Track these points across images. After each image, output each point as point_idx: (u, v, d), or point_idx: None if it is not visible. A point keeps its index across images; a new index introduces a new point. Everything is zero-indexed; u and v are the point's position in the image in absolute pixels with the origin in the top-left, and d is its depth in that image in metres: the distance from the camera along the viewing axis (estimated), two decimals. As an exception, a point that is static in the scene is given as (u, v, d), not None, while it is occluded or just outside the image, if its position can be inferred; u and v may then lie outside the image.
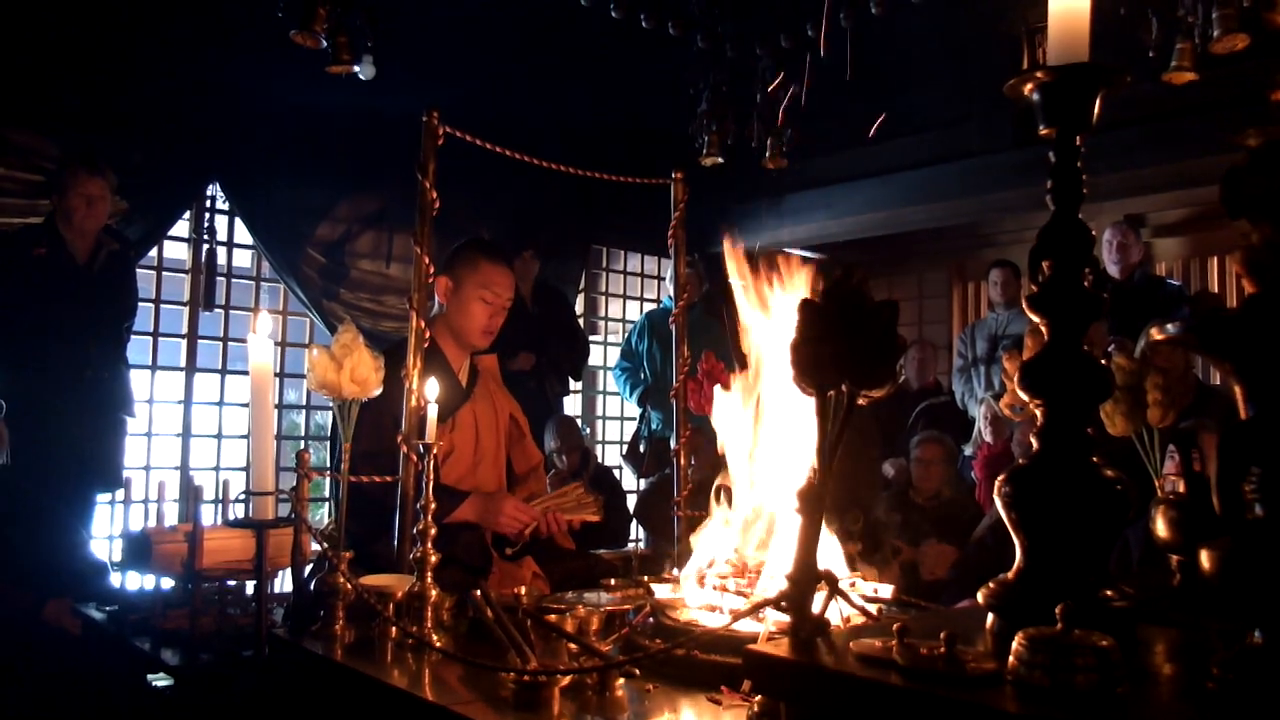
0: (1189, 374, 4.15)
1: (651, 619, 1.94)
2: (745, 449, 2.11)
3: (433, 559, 2.02)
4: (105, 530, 4.64)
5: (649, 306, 7.06)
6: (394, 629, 1.98)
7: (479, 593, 1.94)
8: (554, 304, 5.95)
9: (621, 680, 1.68)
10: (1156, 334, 1.23)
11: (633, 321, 6.67)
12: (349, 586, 2.05)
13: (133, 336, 4.62)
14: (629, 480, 6.34)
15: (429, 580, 2.01)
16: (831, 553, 1.94)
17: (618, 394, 6.67)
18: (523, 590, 2.11)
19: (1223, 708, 1.06)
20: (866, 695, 1.15)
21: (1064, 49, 1.31)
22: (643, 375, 5.97)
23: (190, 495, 3.51)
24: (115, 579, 2.88)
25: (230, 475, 5.09)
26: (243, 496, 2.07)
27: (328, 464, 2.97)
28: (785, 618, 1.44)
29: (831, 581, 1.44)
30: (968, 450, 5.19)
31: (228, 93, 5.03)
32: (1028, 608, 1.23)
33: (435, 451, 2.10)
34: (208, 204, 5.36)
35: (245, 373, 2.55)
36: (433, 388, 2.21)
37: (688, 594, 1.97)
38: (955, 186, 5.88)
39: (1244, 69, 3.19)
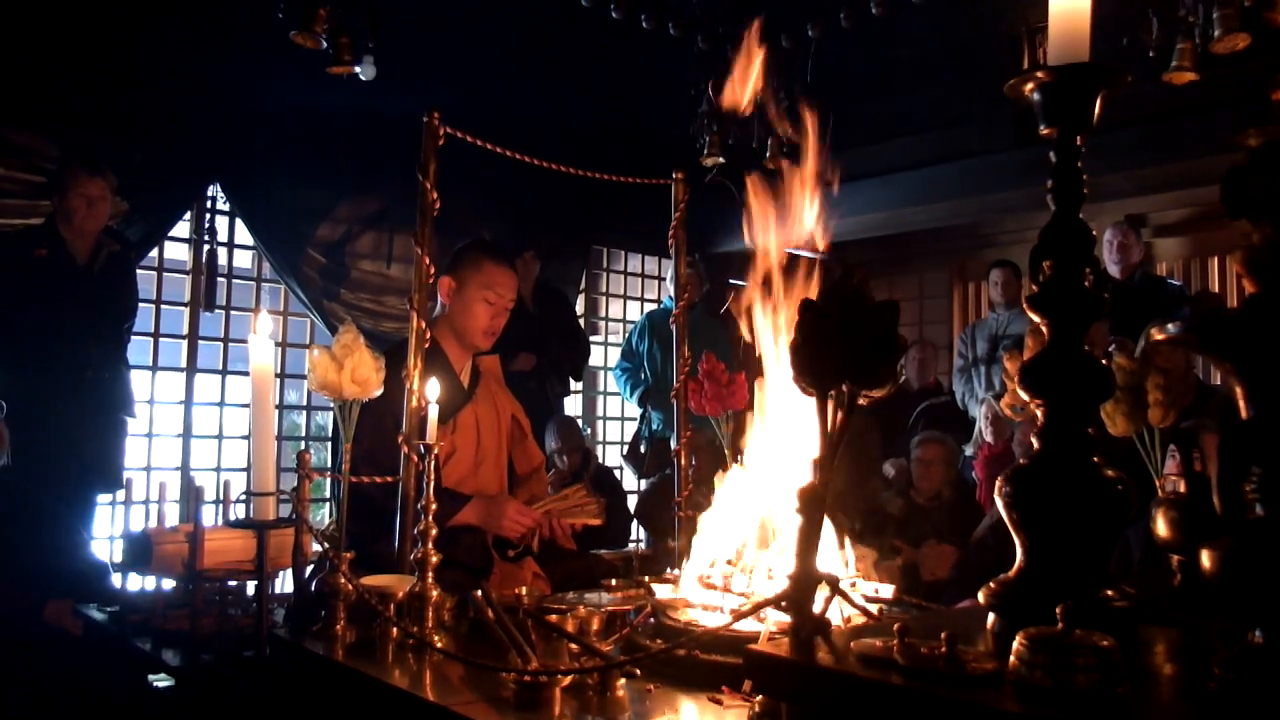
0: (1190, 374, 4.15)
1: (652, 619, 1.94)
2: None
3: (434, 559, 2.02)
4: (106, 531, 4.64)
5: (649, 307, 7.06)
6: (395, 629, 1.98)
7: (480, 593, 1.94)
8: (555, 304, 5.95)
9: (622, 680, 1.68)
10: (1157, 334, 1.23)
11: (633, 322, 6.67)
12: (350, 587, 2.05)
13: (133, 337, 4.62)
14: (630, 480, 6.34)
15: (430, 581, 2.01)
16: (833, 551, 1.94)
17: (618, 394, 6.67)
18: (523, 591, 2.11)
19: (1223, 708, 1.06)
20: (867, 695, 1.15)
21: (1064, 49, 1.31)
22: (643, 376, 5.97)
23: (191, 496, 3.50)
24: (116, 579, 2.87)
25: (231, 476, 5.08)
26: (243, 497, 2.07)
27: (329, 464, 2.97)
28: (786, 618, 1.44)
29: (832, 582, 1.44)
30: (968, 450, 5.19)
31: (228, 93, 5.03)
32: (1029, 608, 1.23)
33: (436, 452, 2.10)
34: (208, 205, 5.36)
35: (246, 373, 2.56)
36: (434, 388, 2.21)
37: (688, 593, 1.97)
38: (955, 186, 5.88)
39: (1245, 69, 3.19)
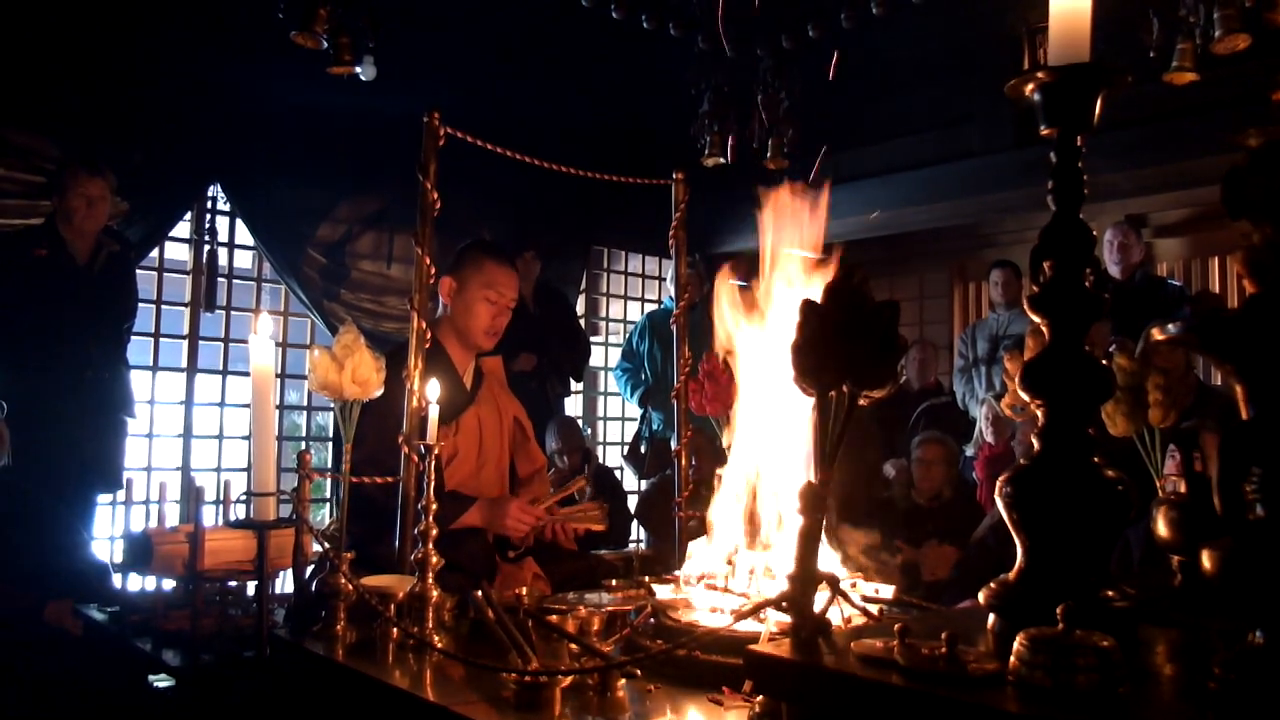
0: (1190, 374, 4.15)
1: (653, 619, 1.94)
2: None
3: (434, 560, 2.02)
4: (106, 531, 4.63)
5: (650, 307, 7.06)
6: (395, 630, 1.98)
7: (480, 593, 1.94)
8: (555, 305, 5.95)
9: (623, 681, 1.68)
10: (1157, 334, 1.23)
11: (633, 322, 6.67)
12: (350, 587, 2.05)
13: (134, 337, 4.62)
14: (630, 481, 6.34)
15: (430, 581, 2.01)
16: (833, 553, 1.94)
17: (619, 395, 6.67)
18: (524, 591, 2.11)
19: (1224, 708, 1.06)
20: (868, 695, 1.15)
21: (1065, 49, 1.31)
22: (644, 376, 5.97)
23: (191, 496, 3.50)
24: (116, 580, 2.88)
25: (231, 476, 5.07)
26: (244, 497, 2.07)
27: (329, 465, 2.97)
28: (786, 618, 1.44)
29: (833, 582, 1.44)
30: (969, 450, 5.19)
31: (228, 93, 5.03)
32: (1029, 608, 1.23)
33: (436, 452, 2.10)
34: (208, 205, 5.36)
35: (246, 374, 2.55)
36: (434, 388, 2.21)
37: (688, 594, 1.97)
38: (955, 186, 5.88)
39: (1245, 69, 3.18)
